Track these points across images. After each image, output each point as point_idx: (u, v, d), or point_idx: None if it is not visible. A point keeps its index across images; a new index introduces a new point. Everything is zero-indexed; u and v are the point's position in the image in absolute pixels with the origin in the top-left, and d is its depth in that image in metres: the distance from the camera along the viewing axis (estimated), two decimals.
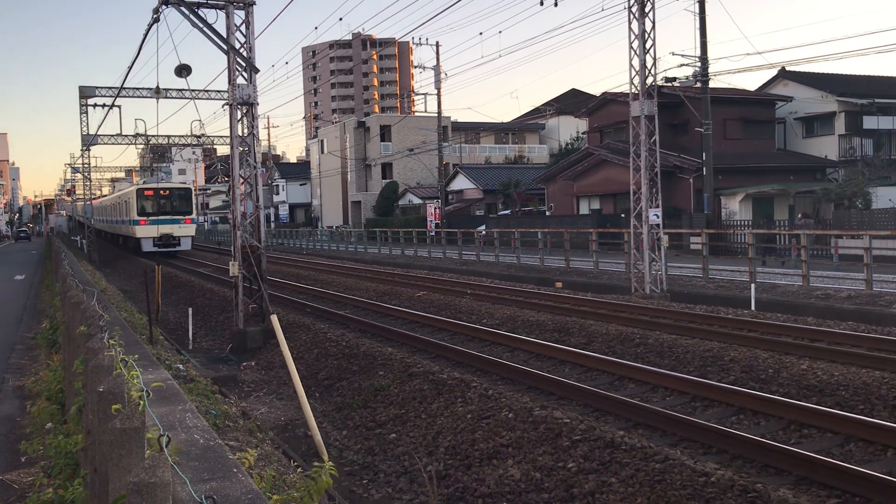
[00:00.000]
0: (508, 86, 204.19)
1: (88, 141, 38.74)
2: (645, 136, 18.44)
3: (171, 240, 38.79)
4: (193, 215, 40.90)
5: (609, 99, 40.43)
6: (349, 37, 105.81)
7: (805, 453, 6.81)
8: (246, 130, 15.71)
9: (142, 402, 3.42)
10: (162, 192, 39.92)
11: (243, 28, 15.40)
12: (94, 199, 55.14)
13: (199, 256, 40.08)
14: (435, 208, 46.22)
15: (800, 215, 28.10)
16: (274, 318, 10.17)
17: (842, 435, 7.59)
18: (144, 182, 46.06)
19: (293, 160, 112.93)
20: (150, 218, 38.55)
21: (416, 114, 63.56)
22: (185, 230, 39.44)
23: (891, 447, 7.16)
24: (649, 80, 18.48)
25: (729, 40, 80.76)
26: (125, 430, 3.09)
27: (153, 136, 42.47)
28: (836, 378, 9.37)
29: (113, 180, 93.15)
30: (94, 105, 37.89)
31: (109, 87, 36.21)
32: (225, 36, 15.17)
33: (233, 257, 15.59)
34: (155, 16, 16.40)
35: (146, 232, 38.51)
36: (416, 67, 46.75)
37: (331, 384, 11.83)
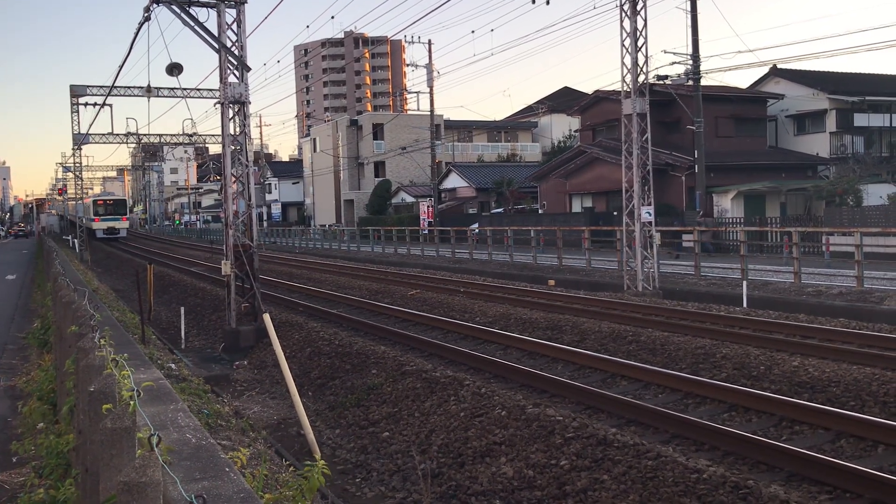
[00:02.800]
0: (501, 84, 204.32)
1: (80, 140, 38.59)
2: (637, 134, 18.48)
3: (114, 231, 62.75)
4: (128, 215, 68.79)
5: (601, 97, 40.47)
6: (341, 35, 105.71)
7: (797, 450, 6.84)
8: (238, 129, 15.66)
9: (132, 402, 3.41)
10: (108, 201, 66.22)
11: (234, 26, 15.33)
12: (84, 198, 59.84)
13: (192, 255, 39.98)
14: (428, 206, 46.18)
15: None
16: (266, 317, 10.15)
17: (833, 431, 7.62)
18: (98, 195, 72.03)
19: (285, 158, 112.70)
20: (101, 217, 62.54)
21: (409, 112, 63.52)
22: (122, 225, 65.23)
23: (882, 443, 7.20)
24: (641, 78, 18.52)
25: (720, 38, 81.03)
26: (116, 429, 3.09)
27: (145, 134, 42.44)
28: (828, 375, 9.41)
29: (104, 179, 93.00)
30: (86, 104, 37.67)
31: (101, 86, 36.01)
32: (216, 34, 15.10)
33: (225, 256, 15.54)
34: (146, 14, 16.34)
35: (99, 226, 62.12)
36: (408, 66, 46.74)
37: (324, 383, 11.81)
